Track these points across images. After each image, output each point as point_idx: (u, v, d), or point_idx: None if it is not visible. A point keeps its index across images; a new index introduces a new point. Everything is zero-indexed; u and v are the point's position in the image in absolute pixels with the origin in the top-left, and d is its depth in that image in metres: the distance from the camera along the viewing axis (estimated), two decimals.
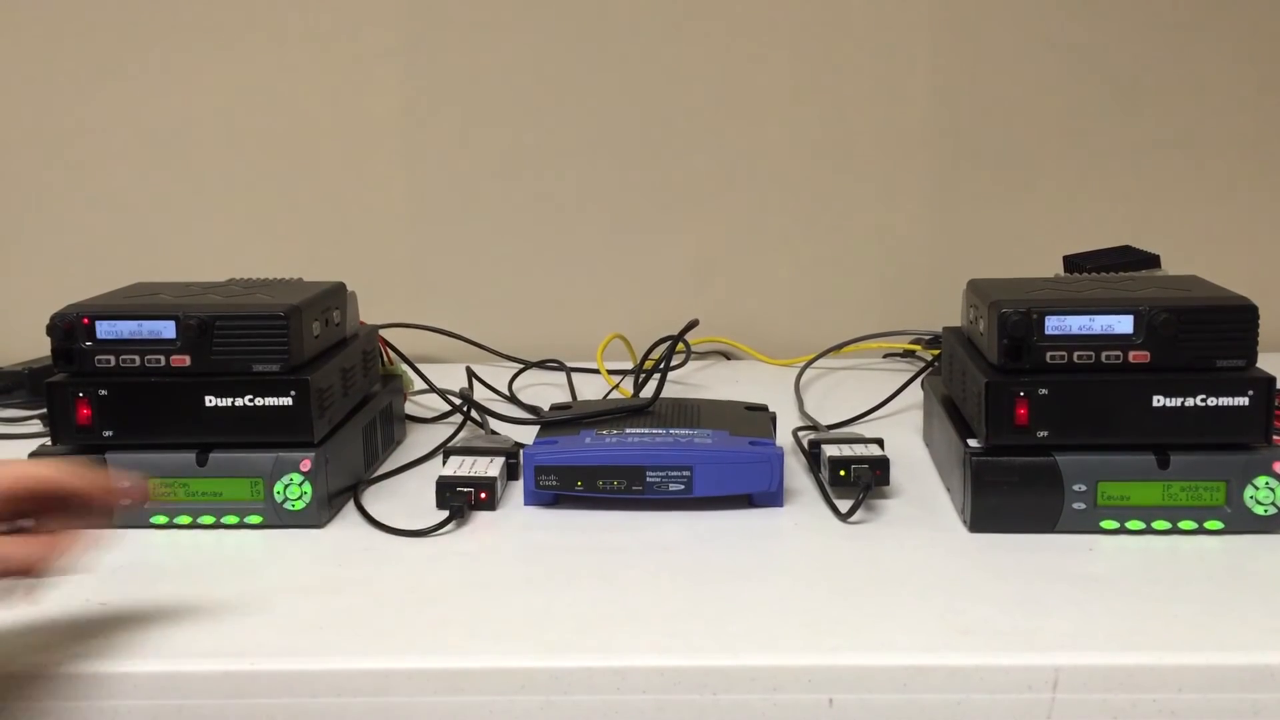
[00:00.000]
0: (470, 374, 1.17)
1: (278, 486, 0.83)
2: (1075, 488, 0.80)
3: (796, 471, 0.94)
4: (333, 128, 1.35)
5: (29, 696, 0.64)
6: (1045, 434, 0.80)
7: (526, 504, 0.87)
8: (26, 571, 0.61)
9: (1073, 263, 1.07)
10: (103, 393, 0.83)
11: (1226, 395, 0.79)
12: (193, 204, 1.36)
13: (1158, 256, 1.05)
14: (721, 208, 1.36)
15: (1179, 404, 0.79)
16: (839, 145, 1.35)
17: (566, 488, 0.85)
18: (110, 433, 0.83)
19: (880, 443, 0.91)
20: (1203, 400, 0.79)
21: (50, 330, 0.83)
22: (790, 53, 1.33)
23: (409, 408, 1.11)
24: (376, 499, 0.89)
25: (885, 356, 1.34)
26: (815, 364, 1.29)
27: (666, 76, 1.34)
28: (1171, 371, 0.80)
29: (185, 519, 0.83)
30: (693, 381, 1.26)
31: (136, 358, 0.83)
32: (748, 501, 0.87)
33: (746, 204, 1.36)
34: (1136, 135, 1.33)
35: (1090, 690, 0.63)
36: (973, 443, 0.83)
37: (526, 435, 0.94)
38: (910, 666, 0.64)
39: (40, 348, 0.97)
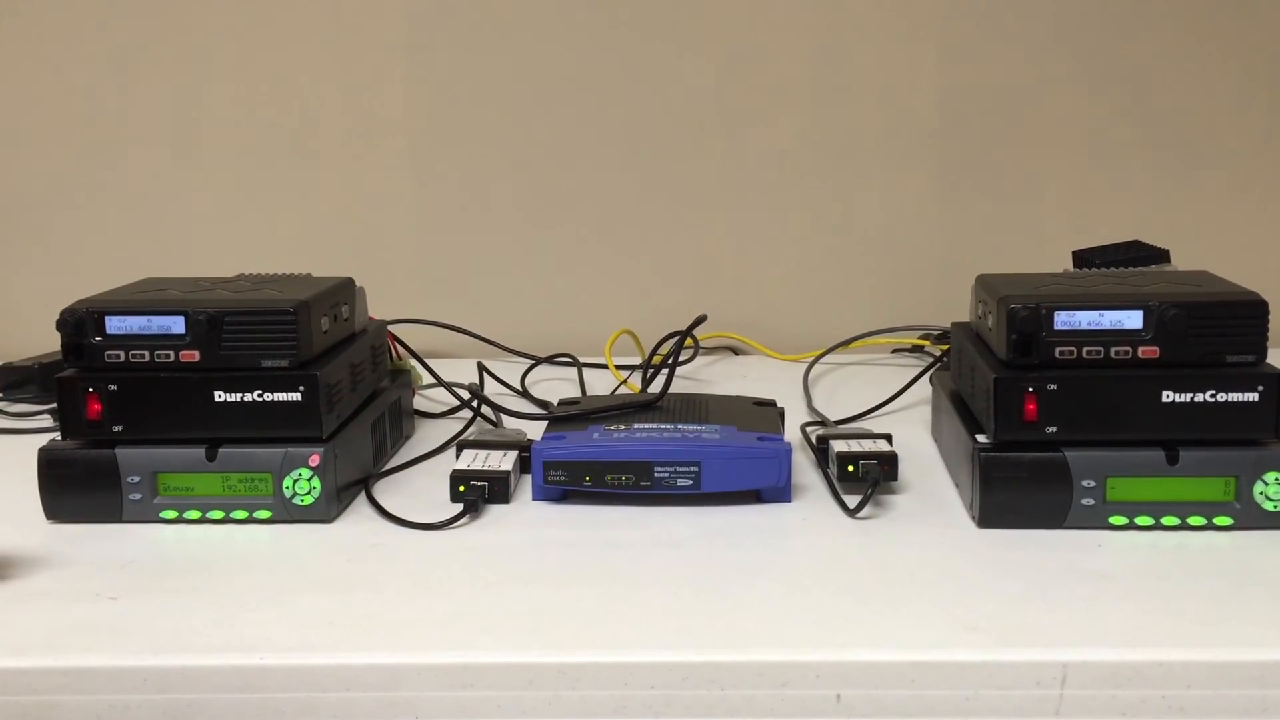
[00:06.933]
0: (481, 369, 1.18)
1: (286, 481, 0.83)
2: (1084, 483, 0.80)
3: (805, 467, 0.94)
4: (341, 123, 1.35)
5: (39, 691, 0.64)
6: (1054, 429, 0.80)
7: (535, 499, 0.87)
8: None
9: (1082, 258, 1.06)
10: (112, 388, 0.83)
11: (1236, 391, 0.79)
12: (202, 200, 1.36)
13: (1167, 251, 1.05)
14: (730, 203, 1.36)
15: (1188, 400, 0.79)
16: (847, 140, 1.34)
17: (575, 483, 0.86)
18: (120, 427, 0.83)
19: (888, 438, 0.91)
20: (1212, 396, 0.79)
21: (60, 325, 0.83)
22: (798, 48, 1.33)
23: (418, 403, 1.11)
24: (386, 494, 0.89)
25: (894, 352, 1.33)
26: (823, 359, 1.29)
27: (673, 72, 1.33)
28: (1181, 367, 0.79)
29: (194, 514, 0.84)
30: (701, 377, 1.26)
31: (146, 353, 0.83)
32: (756, 497, 0.87)
33: (755, 199, 1.36)
34: (1146, 130, 1.33)
35: (1099, 686, 0.63)
36: (981, 438, 0.82)
37: (537, 430, 0.94)
38: (918, 662, 0.64)
39: (50, 343, 0.97)
